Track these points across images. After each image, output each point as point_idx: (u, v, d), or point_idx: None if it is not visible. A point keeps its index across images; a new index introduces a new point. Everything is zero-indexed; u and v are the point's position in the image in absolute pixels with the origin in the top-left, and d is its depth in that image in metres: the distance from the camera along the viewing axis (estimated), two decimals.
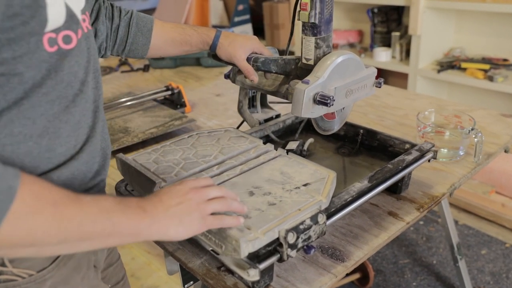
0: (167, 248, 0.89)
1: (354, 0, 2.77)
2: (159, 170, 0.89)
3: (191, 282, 0.95)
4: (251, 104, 1.20)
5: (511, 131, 1.35)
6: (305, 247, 0.76)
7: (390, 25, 2.82)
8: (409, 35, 2.57)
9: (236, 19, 3.37)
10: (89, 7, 0.92)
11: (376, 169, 0.95)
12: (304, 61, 0.96)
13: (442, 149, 1.19)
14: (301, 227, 0.74)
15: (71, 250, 0.63)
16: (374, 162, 1.10)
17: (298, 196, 0.80)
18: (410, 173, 1.03)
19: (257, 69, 1.01)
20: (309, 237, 0.75)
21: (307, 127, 1.21)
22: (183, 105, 1.62)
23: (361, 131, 1.16)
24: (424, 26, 2.44)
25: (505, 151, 1.29)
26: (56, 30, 0.62)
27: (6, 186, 0.53)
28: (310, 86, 0.88)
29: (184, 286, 0.94)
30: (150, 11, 3.14)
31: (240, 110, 1.19)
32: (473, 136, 1.16)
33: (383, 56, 2.72)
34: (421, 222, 2.33)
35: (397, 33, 2.70)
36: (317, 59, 0.93)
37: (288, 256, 0.74)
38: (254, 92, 1.19)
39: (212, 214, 0.70)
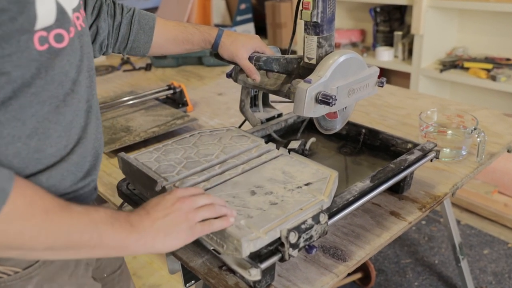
0: None
1: None
2: (161, 169, 0.89)
3: (193, 281, 0.95)
4: (253, 103, 1.20)
5: None
6: (306, 246, 0.76)
7: (393, 24, 2.81)
8: (412, 35, 2.56)
9: (238, 18, 3.37)
10: (91, 4, 0.92)
11: (378, 168, 0.95)
12: (306, 60, 0.96)
13: (444, 149, 1.19)
14: (303, 226, 0.74)
15: (56, 257, 0.63)
16: (376, 162, 1.10)
17: (300, 196, 0.80)
18: (412, 173, 1.02)
19: (259, 68, 1.01)
20: (311, 237, 0.75)
21: (309, 127, 1.21)
22: (185, 104, 1.62)
23: (363, 130, 1.15)
24: (427, 25, 2.44)
25: (508, 151, 1.28)
26: (48, 29, 0.61)
27: None
28: (312, 85, 0.87)
29: (185, 285, 0.94)
30: (153, 10, 3.14)
31: (242, 109, 1.19)
32: (476, 135, 1.15)
33: (386, 56, 2.72)
34: (423, 222, 2.33)
35: (400, 33, 2.69)
36: (319, 58, 0.93)
37: (289, 255, 0.73)
38: (256, 91, 1.19)
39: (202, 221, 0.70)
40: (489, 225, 2.26)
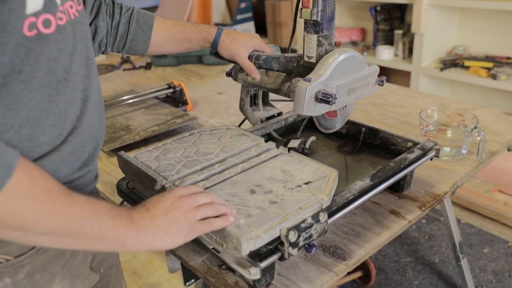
0: None
1: None
2: (160, 168, 0.89)
3: (192, 280, 0.95)
4: (253, 102, 1.20)
5: None
6: (306, 245, 0.76)
7: (393, 23, 2.81)
8: (412, 33, 2.56)
9: (239, 17, 3.37)
10: (90, 3, 0.93)
11: (378, 167, 0.95)
12: (306, 59, 0.96)
13: (444, 148, 1.19)
14: (303, 225, 0.73)
15: (55, 245, 0.63)
16: (376, 161, 1.10)
17: (300, 195, 0.80)
18: (412, 172, 1.02)
19: (259, 67, 1.00)
20: (311, 236, 0.75)
21: (309, 125, 1.21)
22: (185, 103, 1.62)
23: (363, 129, 1.15)
24: (427, 24, 2.43)
25: (508, 150, 1.28)
26: (36, 14, 0.60)
27: (5, 163, 0.54)
28: (312, 84, 0.87)
29: (185, 284, 0.94)
30: (153, 9, 3.14)
31: (242, 108, 1.19)
32: (476, 134, 1.15)
33: (386, 54, 2.71)
34: (423, 221, 2.33)
35: (400, 31, 2.69)
36: (319, 57, 0.93)
37: (289, 254, 0.73)
38: (256, 90, 1.19)
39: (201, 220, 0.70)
40: (489, 224, 2.26)
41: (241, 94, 1.17)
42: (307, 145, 1.12)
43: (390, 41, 2.80)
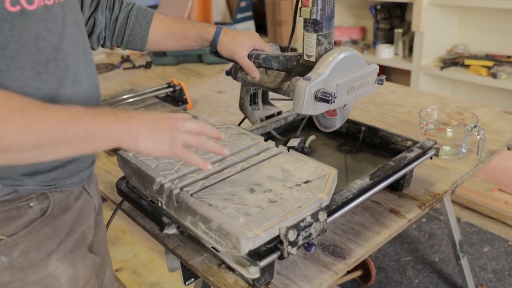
0: (167, 245, 0.89)
1: None
2: (160, 167, 0.89)
3: (192, 279, 0.95)
4: (253, 101, 1.20)
5: None
6: (305, 244, 0.76)
7: (393, 22, 2.80)
8: (412, 32, 2.55)
9: (239, 16, 3.36)
10: None
11: (378, 166, 0.95)
12: (305, 58, 0.96)
13: (444, 146, 1.19)
14: (302, 224, 0.73)
15: (50, 156, 0.64)
16: (376, 160, 1.10)
17: (299, 194, 0.80)
18: (412, 171, 1.02)
19: (258, 66, 1.00)
20: (310, 235, 0.75)
21: (309, 124, 1.21)
22: (184, 102, 1.62)
23: (363, 128, 1.15)
24: (427, 23, 2.43)
25: (508, 149, 1.28)
26: None
27: None
28: (312, 83, 0.87)
29: (185, 283, 0.94)
30: (152, 8, 3.13)
31: (241, 107, 1.19)
32: (476, 133, 1.15)
33: (386, 53, 2.71)
34: (424, 220, 2.33)
35: (400, 30, 2.69)
36: (319, 56, 0.93)
37: (288, 253, 0.73)
38: (255, 89, 1.19)
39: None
40: (489, 222, 2.26)
41: (241, 93, 1.17)
42: (307, 144, 1.12)
43: (390, 40, 2.79)
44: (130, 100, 1.57)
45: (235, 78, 1.11)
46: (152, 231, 0.94)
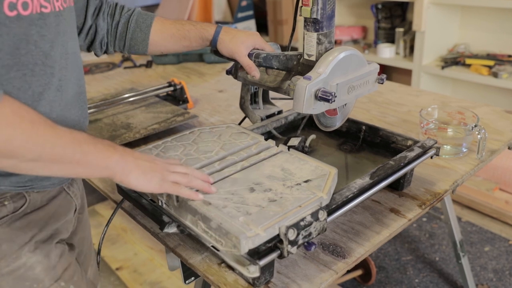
0: (168, 244, 0.90)
1: None
2: None
3: (192, 278, 0.95)
4: (253, 100, 1.20)
5: None
6: (305, 243, 0.76)
7: (394, 21, 2.80)
8: (413, 31, 2.55)
9: (240, 15, 3.36)
10: (92, 6, 0.98)
11: (378, 165, 0.95)
12: (306, 57, 0.95)
13: (445, 146, 1.19)
14: (302, 223, 0.73)
15: (45, 171, 0.68)
16: (377, 159, 1.10)
17: (299, 193, 0.80)
18: (412, 170, 1.02)
19: (259, 65, 1.00)
20: (310, 234, 0.75)
21: (309, 124, 1.21)
22: (185, 101, 1.62)
23: (364, 127, 1.15)
24: (428, 22, 2.43)
25: (509, 148, 1.28)
26: None
27: None
28: (312, 82, 0.87)
29: (185, 282, 0.95)
30: (153, 7, 3.14)
31: (242, 106, 1.19)
32: (476, 132, 1.15)
33: (387, 52, 2.71)
34: (424, 219, 2.33)
35: (401, 29, 2.68)
36: (319, 55, 0.93)
37: (288, 252, 0.73)
38: (256, 88, 1.19)
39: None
40: (490, 222, 2.25)
41: (241, 92, 1.17)
42: (307, 143, 1.12)
43: (391, 39, 2.79)
44: (131, 99, 1.57)
45: (235, 77, 1.11)
46: (152, 230, 0.94)
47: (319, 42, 0.92)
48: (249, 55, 1.00)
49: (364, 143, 1.16)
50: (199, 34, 1.03)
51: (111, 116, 1.49)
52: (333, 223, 0.94)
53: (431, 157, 1.03)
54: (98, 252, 0.99)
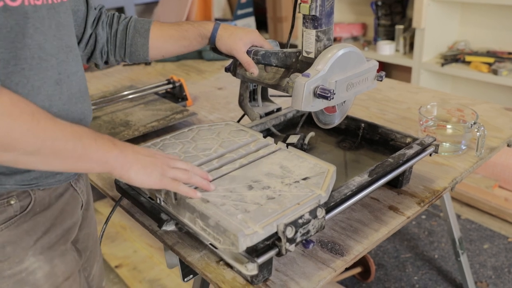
0: (166, 242, 0.89)
1: None
2: None
3: (191, 276, 0.95)
4: (252, 97, 1.20)
5: None
6: (304, 241, 0.76)
7: (394, 18, 2.79)
8: (413, 28, 2.55)
9: (239, 12, 3.36)
10: (92, 16, 0.99)
11: (377, 163, 0.95)
12: (304, 54, 0.95)
13: (444, 143, 1.19)
14: (300, 221, 0.73)
15: (45, 166, 0.68)
16: (376, 156, 1.10)
17: (297, 190, 0.79)
18: (411, 167, 1.02)
19: (257, 62, 1.00)
20: (308, 232, 0.75)
21: (308, 121, 1.21)
22: (184, 98, 1.62)
23: (363, 124, 1.15)
24: (428, 19, 2.42)
25: (508, 145, 1.28)
26: None
27: None
28: (311, 79, 0.87)
29: (184, 279, 0.94)
30: (153, 4, 3.13)
31: (241, 104, 1.19)
32: (476, 130, 1.15)
33: (387, 50, 2.70)
34: (423, 216, 2.33)
35: (401, 26, 2.68)
36: (318, 52, 0.93)
37: (286, 250, 0.73)
38: (255, 86, 1.18)
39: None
40: (489, 219, 2.25)
41: (240, 89, 1.17)
42: (306, 141, 1.12)
43: (391, 36, 2.79)
44: (130, 96, 1.57)
45: (234, 74, 1.11)
46: (151, 227, 0.94)
47: (318, 39, 0.92)
48: (248, 52, 1.00)
49: (363, 141, 1.15)
50: (198, 32, 1.03)
51: (110, 113, 1.49)
52: (332, 220, 0.94)
53: (430, 155, 1.02)
54: None
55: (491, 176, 2.26)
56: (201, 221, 0.76)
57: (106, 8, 1.06)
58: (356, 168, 1.07)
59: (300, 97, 0.87)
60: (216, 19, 3.16)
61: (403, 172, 1.00)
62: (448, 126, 1.23)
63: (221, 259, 0.83)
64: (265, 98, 1.23)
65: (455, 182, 1.07)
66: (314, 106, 0.90)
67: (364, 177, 0.90)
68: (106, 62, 1.06)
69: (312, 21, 0.91)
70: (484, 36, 2.53)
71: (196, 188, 0.80)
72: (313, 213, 0.75)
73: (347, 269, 1.69)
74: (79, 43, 0.98)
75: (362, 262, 1.90)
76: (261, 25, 3.51)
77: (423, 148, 1.00)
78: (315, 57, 0.92)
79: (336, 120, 1.05)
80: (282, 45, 1.10)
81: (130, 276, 1.97)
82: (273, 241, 0.74)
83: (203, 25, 1.03)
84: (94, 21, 1.00)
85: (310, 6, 0.89)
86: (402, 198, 1.01)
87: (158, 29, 1.05)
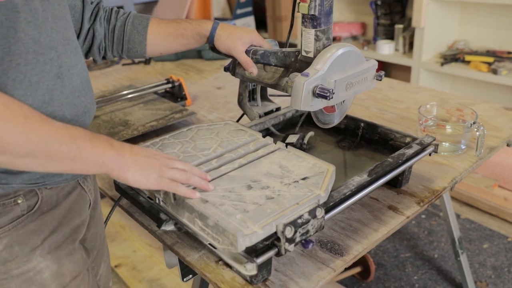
0: (165, 242, 0.89)
1: None
2: None
3: (190, 276, 0.95)
4: (251, 97, 1.20)
5: None
6: (303, 241, 0.76)
7: (394, 17, 2.79)
8: (413, 28, 2.54)
9: (239, 11, 3.35)
10: (88, 11, 0.98)
11: (377, 163, 0.95)
12: (303, 53, 0.95)
13: (443, 143, 1.18)
14: (299, 221, 0.73)
15: (41, 168, 0.67)
16: (375, 156, 1.10)
17: (297, 190, 0.79)
18: (410, 167, 1.02)
19: (256, 61, 1.00)
20: (307, 231, 0.75)
21: (308, 121, 1.20)
22: (183, 98, 1.61)
23: (362, 124, 1.15)
24: (428, 18, 2.42)
25: (508, 145, 1.28)
26: None
27: None
28: (310, 79, 0.87)
29: (183, 279, 0.94)
30: (152, 3, 3.12)
31: (240, 103, 1.19)
32: (475, 129, 1.14)
33: (386, 49, 2.70)
34: (423, 216, 2.33)
35: (401, 26, 2.68)
36: (317, 52, 0.92)
37: (286, 250, 0.73)
38: (254, 85, 1.18)
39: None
40: (489, 219, 2.25)
41: (239, 89, 1.17)
42: (305, 140, 1.11)
43: (390, 36, 2.78)
44: (129, 96, 1.57)
45: (233, 74, 1.11)
46: (150, 227, 0.94)
47: (317, 39, 0.92)
48: (247, 52, 1.00)
49: (362, 140, 1.15)
50: (196, 31, 1.03)
51: (109, 113, 1.48)
52: (331, 220, 0.94)
53: (430, 154, 1.02)
54: None
55: (491, 175, 2.26)
56: (200, 221, 0.76)
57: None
58: (356, 168, 1.07)
59: (299, 96, 0.87)
60: (216, 18, 3.16)
61: (403, 172, 0.99)
62: (448, 126, 1.22)
63: (220, 259, 0.82)
64: (264, 97, 1.23)
65: (454, 181, 1.07)
66: (313, 105, 0.90)
67: (363, 177, 0.90)
68: (104, 58, 1.05)
69: (311, 20, 0.91)
70: (483, 36, 2.53)
71: (195, 188, 0.80)
72: (312, 213, 0.75)
73: (346, 269, 1.69)
74: (77, 38, 0.98)
75: (361, 261, 1.90)
76: (261, 25, 3.50)
77: (423, 147, 1.00)
78: (314, 57, 0.92)
79: (336, 119, 1.04)
80: (281, 45, 1.10)
81: (129, 275, 1.97)
82: (272, 241, 0.74)
83: (202, 24, 1.03)
84: (91, 16, 0.99)
85: (309, 5, 0.89)
86: (401, 197, 1.01)
87: (156, 26, 1.04)
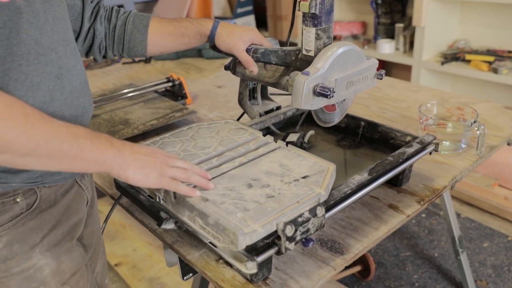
0: (165, 240, 0.89)
1: None
2: None
3: (190, 274, 0.95)
4: (252, 95, 1.19)
5: None
6: (303, 240, 0.76)
7: (394, 16, 2.79)
8: (413, 27, 2.54)
9: (239, 10, 3.35)
10: (89, 9, 0.98)
11: (377, 161, 0.95)
12: (304, 52, 0.95)
13: (444, 142, 1.18)
14: (300, 220, 0.73)
15: (42, 167, 0.67)
16: (375, 155, 1.10)
17: (297, 189, 0.79)
18: (411, 166, 1.02)
19: (257, 60, 1.00)
20: (308, 230, 0.75)
21: (308, 119, 1.20)
22: (184, 96, 1.61)
23: (363, 123, 1.15)
24: (428, 17, 2.42)
25: (508, 144, 1.28)
26: None
27: None
28: (310, 77, 0.87)
29: (183, 278, 0.94)
30: (152, 2, 3.12)
31: (240, 102, 1.19)
32: (476, 128, 1.14)
33: (387, 48, 2.70)
34: (423, 215, 2.33)
35: (401, 25, 2.67)
36: (318, 50, 0.92)
37: (286, 249, 0.73)
38: (254, 84, 1.18)
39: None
40: (489, 218, 2.25)
41: (240, 87, 1.17)
42: (306, 139, 1.11)
43: (391, 35, 2.78)
44: (130, 94, 1.57)
45: (234, 72, 1.11)
46: (150, 226, 0.94)
47: (317, 37, 0.92)
48: (247, 50, 1.00)
49: (363, 139, 1.15)
50: (197, 30, 1.03)
51: (109, 112, 1.48)
52: (331, 219, 0.94)
53: (430, 153, 1.02)
54: None
55: (491, 174, 2.26)
56: (201, 220, 0.76)
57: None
58: (356, 167, 1.07)
59: (300, 95, 0.87)
60: (216, 17, 3.15)
61: (403, 171, 0.99)
62: (448, 125, 1.22)
63: (221, 258, 0.82)
64: (264, 96, 1.23)
65: (455, 180, 1.07)
66: (314, 104, 0.90)
67: (364, 176, 0.90)
68: (104, 57, 1.05)
69: (311, 19, 0.91)
70: (484, 35, 2.52)
71: (195, 186, 0.80)
72: (312, 211, 0.75)
73: (347, 268, 1.69)
74: (77, 38, 0.98)
75: (362, 260, 1.90)
76: (261, 24, 3.50)
77: (423, 146, 1.00)
78: (315, 55, 0.92)
79: (336, 118, 1.04)
80: (282, 43, 1.10)
81: (129, 274, 1.97)
82: (272, 240, 0.74)
83: (203, 23, 1.03)
84: (91, 15, 0.99)
85: (309, 4, 0.88)
86: (402, 196, 1.01)
87: (157, 25, 1.04)
